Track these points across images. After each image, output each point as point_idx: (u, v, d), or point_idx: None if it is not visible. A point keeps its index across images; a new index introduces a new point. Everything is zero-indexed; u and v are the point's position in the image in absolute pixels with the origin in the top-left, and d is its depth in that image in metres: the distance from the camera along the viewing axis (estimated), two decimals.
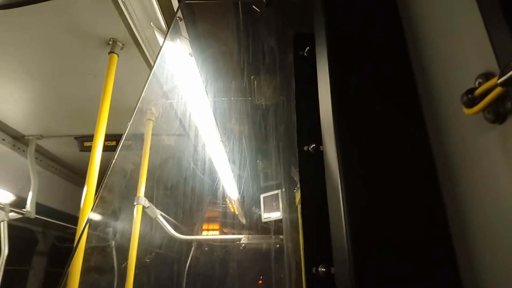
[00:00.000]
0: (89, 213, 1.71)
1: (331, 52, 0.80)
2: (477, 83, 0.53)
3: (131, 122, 1.77)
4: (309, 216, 0.93)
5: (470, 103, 0.53)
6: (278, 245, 2.72)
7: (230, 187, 3.42)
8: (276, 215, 2.46)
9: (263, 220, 2.55)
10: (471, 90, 0.52)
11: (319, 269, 0.84)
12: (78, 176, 4.34)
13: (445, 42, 0.65)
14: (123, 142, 2.02)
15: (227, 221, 3.93)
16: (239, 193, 3.55)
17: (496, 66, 0.50)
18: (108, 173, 1.59)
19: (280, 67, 1.46)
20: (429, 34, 0.71)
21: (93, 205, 1.71)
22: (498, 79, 0.46)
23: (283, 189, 2.42)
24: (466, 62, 0.59)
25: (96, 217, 2.73)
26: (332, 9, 0.83)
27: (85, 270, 1.67)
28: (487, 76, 0.51)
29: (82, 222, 1.69)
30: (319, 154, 0.90)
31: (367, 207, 0.64)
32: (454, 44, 0.62)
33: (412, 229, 0.63)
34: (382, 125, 0.71)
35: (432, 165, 0.67)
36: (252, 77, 1.66)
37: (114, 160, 1.62)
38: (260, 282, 3.05)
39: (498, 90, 0.47)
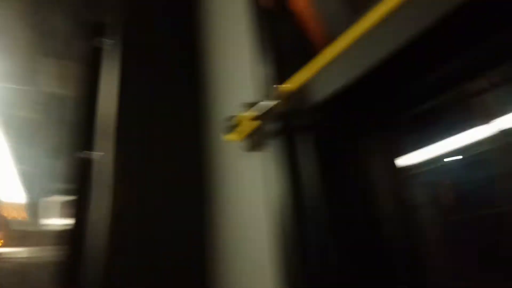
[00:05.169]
0: None
1: (123, 51, 0.73)
2: (238, 112, 0.55)
3: None
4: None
5: (229, 130, 0.55)
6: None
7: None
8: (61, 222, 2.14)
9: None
10: (231, 118, 0.54)
11: None
12: None
13: (226, 66, 0.68)
14: None
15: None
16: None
17: (256, 98, 0.53)
18: None
19: (75, 55, 1.26)
20: (216, 55, 0.73)
21: None
22: (253, 112, 0.49)
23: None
24: (236, 90, 0.62)
25: None
26: (129, 15, 0.77)
27: None
28: (247, 106, 0.54)
29: None
30: (94, 161, 0.80)
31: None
32: (232, 70, 0.65)
33: (173, 245, 0.62)
34: (158, 144, 0.67)
35: (201, 185, 0.67)
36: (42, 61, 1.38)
37: None
38: None
39: (252, 122, 0.50)
